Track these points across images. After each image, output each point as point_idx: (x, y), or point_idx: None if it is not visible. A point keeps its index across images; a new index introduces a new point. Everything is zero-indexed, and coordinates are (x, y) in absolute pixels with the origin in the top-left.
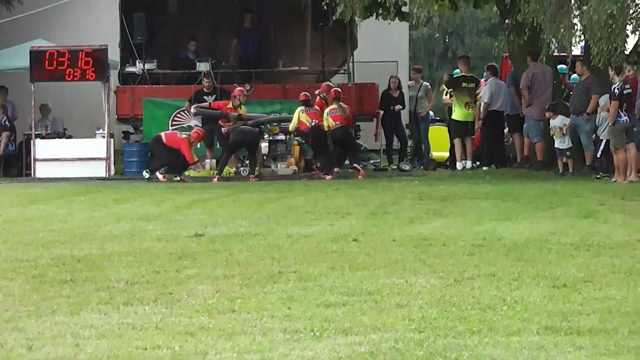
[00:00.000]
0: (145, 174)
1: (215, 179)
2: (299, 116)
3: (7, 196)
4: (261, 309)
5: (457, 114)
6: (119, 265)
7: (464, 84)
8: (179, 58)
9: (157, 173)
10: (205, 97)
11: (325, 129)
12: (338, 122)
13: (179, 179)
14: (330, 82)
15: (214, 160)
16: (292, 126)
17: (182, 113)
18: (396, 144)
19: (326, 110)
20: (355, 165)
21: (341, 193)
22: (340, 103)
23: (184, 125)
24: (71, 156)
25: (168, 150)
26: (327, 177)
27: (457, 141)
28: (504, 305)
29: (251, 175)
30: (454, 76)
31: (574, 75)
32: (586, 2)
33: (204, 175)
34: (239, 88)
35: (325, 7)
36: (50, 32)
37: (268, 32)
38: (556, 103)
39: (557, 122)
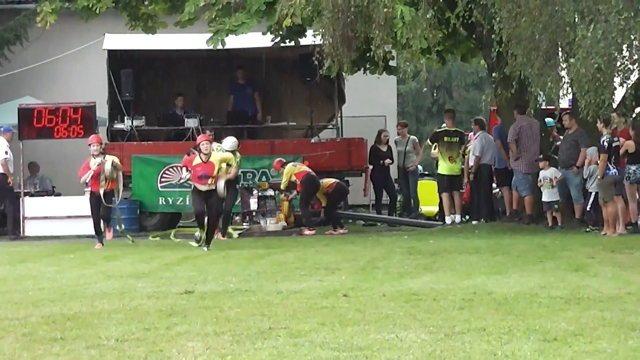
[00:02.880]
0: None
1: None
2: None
3: None
4: None
5: (442, 168)
6: (109, 323)
7: (446, 138)
8: (167, 114)
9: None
10: None
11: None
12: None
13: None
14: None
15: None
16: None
17: (171, 170)
18: (385, 198)
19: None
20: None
21: (331, 249)
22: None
23: (173, 182)
24: (60, 214)
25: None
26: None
27: (444, 195)
28: (495, 359)
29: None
30: (436, 130)
31: (549, 119)
32: (573, 55)
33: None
34: None
35: (315, 62)
36: (39, 89)
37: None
38: (550, 155)
39: (549, 173)
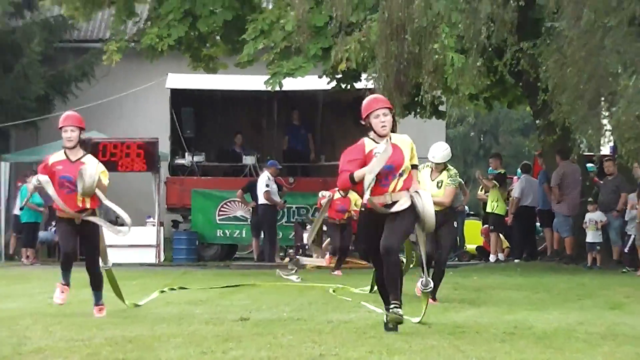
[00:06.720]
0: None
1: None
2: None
3: None
4: None
5: (501, 208)
6: (168, 346)
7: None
8: (226, 151)
9: None
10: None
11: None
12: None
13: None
14: None
15: None
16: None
17: (228, 204)
18: None
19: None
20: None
21: None
22: None
23: (231, 216)
24: (122, 243)
25: None
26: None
27: (494, 235)
28: None
29: None
30: (502, 173)
31: (590, 165)
32: (615, 104)
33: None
34: None
35: None
36: (104, 124)
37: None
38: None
39: (596, 216)
